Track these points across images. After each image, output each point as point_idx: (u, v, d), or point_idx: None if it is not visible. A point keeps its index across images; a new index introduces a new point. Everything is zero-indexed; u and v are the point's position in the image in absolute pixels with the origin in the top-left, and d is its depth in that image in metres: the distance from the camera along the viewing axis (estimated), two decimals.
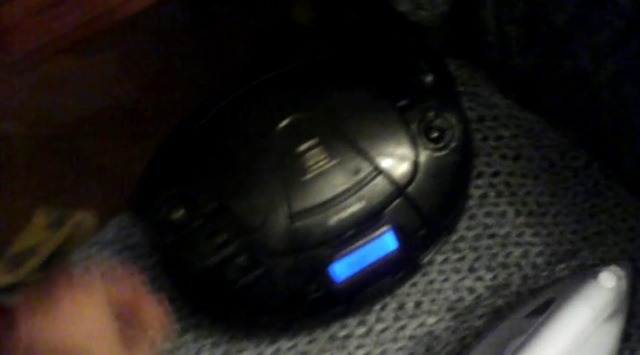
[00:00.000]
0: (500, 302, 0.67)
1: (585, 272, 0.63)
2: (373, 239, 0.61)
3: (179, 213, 0.57)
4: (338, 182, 0.60)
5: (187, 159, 0.60)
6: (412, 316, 0.68)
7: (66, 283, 0.39)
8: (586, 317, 0.57)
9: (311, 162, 0.59)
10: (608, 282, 0.59)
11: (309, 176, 0.59)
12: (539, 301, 0.63)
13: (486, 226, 0.72)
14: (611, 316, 0.60)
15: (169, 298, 0.66)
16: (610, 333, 0.60)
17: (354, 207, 0.60)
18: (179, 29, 0.76)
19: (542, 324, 0.57)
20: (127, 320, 0.42)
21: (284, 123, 0.60)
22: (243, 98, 0.62)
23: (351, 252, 0.60)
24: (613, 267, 0.61)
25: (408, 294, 0.69)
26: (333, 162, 0.60)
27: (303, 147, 0.59)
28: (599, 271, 0.60)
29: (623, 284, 0.61)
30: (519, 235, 0.71)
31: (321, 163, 0.59)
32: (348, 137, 0.60)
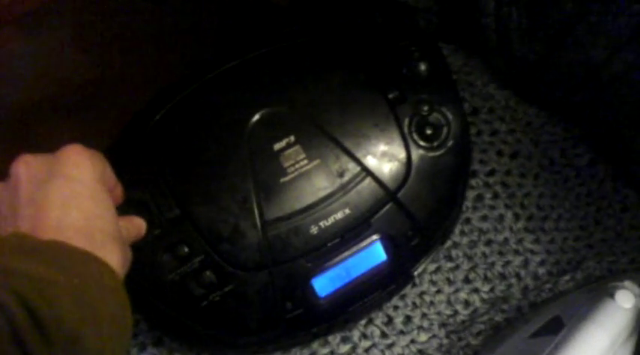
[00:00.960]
0: (498, 317, 0.61)
1: (596, 289, 0.57)
2: (360, 250, 0.54)
3: None
4: (319, 186, 0.52)
5: (142, 159, 0.52)
6: (401, 332, 0.61)
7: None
8: (604, 343, 0.50)
9: (288, 164, 0.52)
10: (626, 302, 0.53)
11: (285, 179, 0.52)
12: (544, 319, 0.57)
13: (482, 232, 0.65)
14: (627, 338, 0.53)
15: None
16: None
17: (338, 214, 0.53)
18: (138, 5, 0.69)
19: (556, 351, 0.50)
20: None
21: (256, 117, 0.52)
22: (207, 88, 0.54)
23: (335, 264, 0.54)
24: (628, 283, 0.55)
25: (397, 308, 0.62)
26: (314, 163, 0.52)
27: (279, 145, 0.52)
28: (614, 289, 0.53)
29: (639, 302, 0.55)
30: (518, 242, 0.65)
31: (299, 164, 0.52)
32: (330, 134, 0.53)
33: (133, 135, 0.53)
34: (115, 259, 0.39)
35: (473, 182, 0.67)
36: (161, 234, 0.50)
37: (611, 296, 0.54)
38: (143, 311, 0.55)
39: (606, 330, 0.51)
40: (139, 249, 0.49)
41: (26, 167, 0.40)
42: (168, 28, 0.68)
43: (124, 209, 0.48)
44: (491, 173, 0.67)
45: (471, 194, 0.66)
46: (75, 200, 0.38)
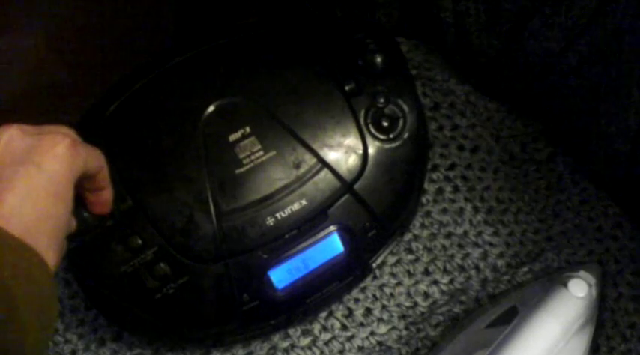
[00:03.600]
0: (457, 309, 0.61)
1: (552, 279, 0.57)
2: (317, 241, 0.54)
3: (85, 212, 0.48)
4: (275, 177, 0.52)
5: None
6: (361, 324, 0.62)
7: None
8: (556, 331, 0.51)
9: (243, 155, 0.52)
10: (579, 291, 0.53)
11: (241, 170, 0.52)
12: (501, 309, 0.58)
13: (442, 224, 0.65)
14: (581, 327, 0.54)
15: (85, 305, 0.59)
16: (579, 346, 0.54)
17: (295, 205, 0.53)
18: (104, 4, 0.69)
19: (507, 340, 0.50)
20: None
21: (211, 108, 0.52)
22: (162, 79, 0.54)
23: (292, 256, 0.54)
24: (583, 273, 0.55)
25: (357, 300, 0.62)
26: (270, 155, 0.52)
27: (234, 136, 0.52)
28: (567, 278, 0.54)
29: (593, 291, 0.56)
30: (478, 235, 0.65)
31: (255, 156, 0.52)
32: (286, 126, 0.53)
33: (88, 126, 0.52)
34: (53, 256, 0.38)
35: (433, 176, 0.67)
36: (114, 226, 0.49)
37: (565, 285, 0.54)
38: (98, 304, 0.55)
39: (558, 318, 0.51)
40: (91, 240, 0.49)
41: (9, 140, 0.38)
42: (131, 22, 0.68)
43: (76, 200, 0.48)
44: (452, 167, 0.67)
45: (431, 187, 0.67)
46: (36, 195, 0.37)
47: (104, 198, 0.45)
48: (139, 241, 0.50)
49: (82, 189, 0.44)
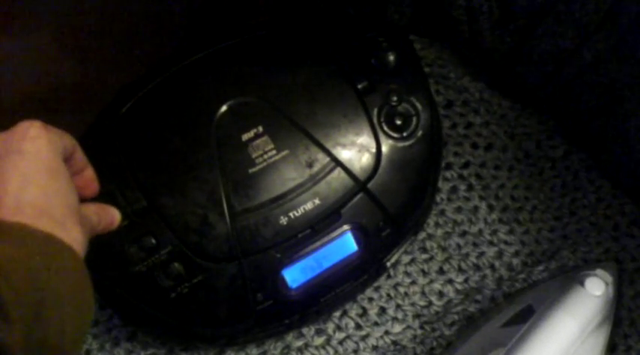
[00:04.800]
0: (472, 308, 0.61)
1: (568, 278, 0.57)
2: (330, 240, 0.54)
3: None
4: (289, 176, 0.52)
5: (110, 150, 0.51)
6: (375, 324, 0.61)
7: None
8: (573, 330, 0.50)
9: (256, 154, 0.52)
10: (596, 289, 0.53)
11: (254, 170, 0.52)
12: (516, 308, 0.57)
13: (456, 223, 0.65)
14: (598, 325, 0.53)
15: (100, 305, 0.59)
16: (595, 344, 0.54)
17: (308, 204, 0.53)
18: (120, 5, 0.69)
19: (524, 338, 0.50)
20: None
21: (224, 108, 0.52)
22: (175, 79, 0.54)
23: (306, 255, 0.54)
24: (600, 272, 0.55)
25: (371, 300, 0.62)
26: (283, 154, 0.52)
27: (247, 136, 0.52)
28: (584, 276, 0.53)
29: (611, 289, 0.55)
30: (493, 233, 0.65)
31: (268, 155, 0.52)
32: (299, 125, 0.53)
33: (101, 127, 0.53)
34: (75, 234, 0.38)
35: (447, 174, 0.67)
36: (128, 226, 0.50)
37: (581, 283, 0.54)
38: (113, 304, 0.55)
39: (575, 317, 0.51)
40: (105, 240, 0.49)
41: None
42: (145, 23, 0.68)
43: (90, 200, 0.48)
44: (466, 165, 0.67)
45: (445, 186, 0.66)
46: (33, 175, 0.38)
47: (88, 177, 0.45)
48: (153, 241, 0.50)
49: None
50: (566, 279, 0.57)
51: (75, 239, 0.38)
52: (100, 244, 0.47)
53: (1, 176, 0.37)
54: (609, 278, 0.56)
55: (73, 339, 0.36)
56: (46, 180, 0.38)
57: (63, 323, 0.35)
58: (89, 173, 0.46)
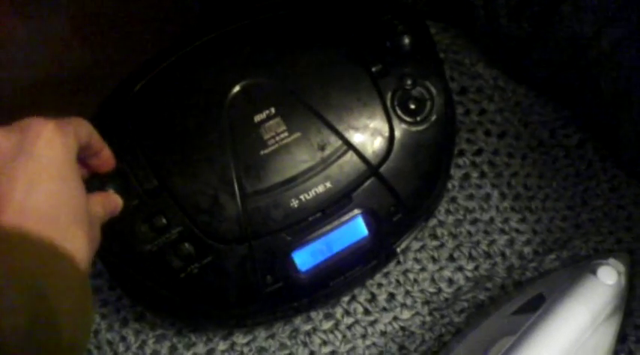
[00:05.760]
0: (482, 295, 0.60)
1: (580, 267, 0.56)
2: (341, 224, 0.54)
3: (111, 191, 0.48)
4: (300, 159, 0.52)
5: (121, 130, 0.51)
6: (384, 310, 0.61)
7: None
8: (584, 318, 0.50)
9: (268, 136, 0.51)
10: (608, 278, 0.52)
11: (265, 151, 0.51)
12: (527, 297, 0.57)
13: (468, 210, 0.65)
14: (609, 315, 0.53)
15: (109, 285, 0.59)
16: (606, 334, 0.53)
17: (319, 187, 0.53)
18: None
19: (535, 326, 0.49)
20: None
21: (236, 89, 0.52)
22: (187, 59, 0.53)
23: (316, 238, 0.53)
24: (612, 261, 0.54)
25: (380, 285, 0.62)
26: (295, 136, 0.52)
27: (259, 117, 0.51)
28: (596, 265, 0.53)
29: (623, 279, 0.54)
30: (504, 221, 0.64)
31: (280, 137, 0.52)
32: (311, 107, 0.52)
33: (113, 106, 0.52)
34: (79, 243, 0.37)
35: (460, 161, 0.66)
36: (139, 205, 0.50)
37: (593, 272, 0.53)
38: (122, 283, 0.55)
39: (587, 305, 0.50)
40: (116, 220, 0.49)
41: None
42: (158, 12, 0.68)
43: (102, 179, 0.48)
44: (479, 152, 0.67)
45: (457, 173, 0.66)
46: (41, 180, 0.37)
47: (106, 156, 0.46)
48: (164, 221, 0.50)
49: (83, 159, 0.44)
50: (577, 269, 0.57)
51: (79, 248, 0.37)
52: (110, 224, 0.47)
53: (9, 179, 0.36)
54: (621, 268, 0.55)
55: (71, 347, 0.36)
56: (54, 186, 0.37)
57: (60, 332, 0.35)
58: (106, 153, 0.46)
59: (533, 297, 0.56)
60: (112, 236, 0.50)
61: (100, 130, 0.47)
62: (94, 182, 0.47)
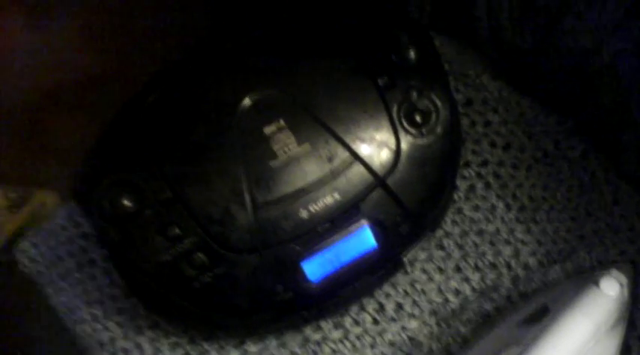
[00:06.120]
0: (488, 306, 0.61)
1: (583, 278, 0.57)
2: (349, 234, 0.55)
3: (126, 203, 0.50)
4: (309, 170, 0.53)
5: (136, 140, 0.52)
6: (392, 319, 0.62)
7: None
8: (587, 331, 0.51)
9: (277, 147, 0.53)
10: (611, 290, 0.53)
11: (275, 163, 0.52)
12: (532, 307, 0.58)
13: (474, 222, 0.66)
14: (612, 326, 0.54)
15: (124, 294, 0.60)
16: (609, 345, 0.54)
17: (328, 198, 0.54)
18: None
19: (539, 337, 0.50)
20: None
21: (246, 101, 0.53)
22: (199, 71, 0.55)
23: (325, 248, 0.54)
24: (615, 272, 0.55)
25: (388, 295, 0.63)
26: (303, 148, 0.53)
27: (269, 129, 0.53)
28: (599, 277, 0.54)
29: (625, 291, 0.55)
30: (510, 232, 0.65)
31: (289, 148, 0.53)
32: (319, 119, 0.54)
33: (127, 117, 0.54)
34: None
35: (465, 172, 0.67)
36: (153, 215, 0.51)
37: (596, 284, 0.54)
38: (138, 292, 0.56)
39: (589, 317, 0.51)
40: (130, 229, 0.50)
41: None
42: (168, 17, 0.69)
43: (117, 190, 0.50)
44: (484, 164, 0.68)
45: (463, 184, 0.67)
46: None
47: None
48: (178, 231, 0.51)
49: None
50: (581, 280, 0.57)
51: None
52: (126, 233, 0.48)
53: None
54: (624, 280, 0.56)
55: None
56: None
57: None
58: None
59: (537, 308, 0.57)
60: (128, 245, 0.51)
61: (114, 141, 0.49)
62: (109, 193, 0.48)
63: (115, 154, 0.52)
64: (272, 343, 0.61)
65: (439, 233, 0.65)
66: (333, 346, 0.60)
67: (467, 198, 0.66)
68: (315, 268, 0.54)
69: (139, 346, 0.61)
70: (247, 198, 0.52)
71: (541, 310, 0.57)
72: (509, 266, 0.64)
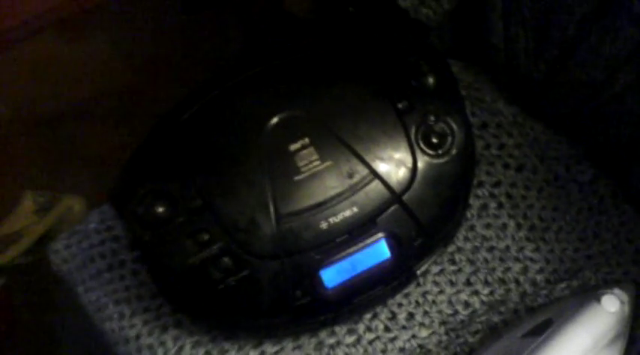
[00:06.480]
0: (496, 318, 0.65)
1: (587, 294, 0.60)
2: (365, 246, 0.58)
3: (160, 209, 0.54)
4: (330, 185, 0.57)
5: (171, 153, 0.57)
6: (404, 328, 0.65)
7: None
8: (586, 342, 0.54)
9: (302, 163, 0.56)
10: (611, 306, 0.56)
11: (299, 177, 0.56)
12: (537, 321, 0.61)
13: (485, 238, 0.69)
14: (612, 341, 0.57)
15: (151, 294, 0.65)
16: None
17: (347, 211, 0.57)
18: (171, 14, 0.74)
19: (539, 348, 0.54)
20: None
21: (274, 120, 0.57)
22: (231, 92, 0.59)
23: (342, 258, 0.58)
24: (616, 291, 0.59)
25: (401, 305, 0.66)
26: (326, 164, 0.57)
27: (294, 146, 0.57)
28: (601, 294, 0.57)
29: (626, 308, 0.59)
30: (519, 250, 0.69)
31: (312, 165, 0.57)
32: (342, 138, 0.57)
33: (163, 131, 0.58)
34: None
35: (479, 192, 0.71)
36: (184, 222, 0.55)
37: (598, 300, 0.57)
38: (166, 292, 0.60)
39: (589, 330, 0.55)
40: (163, 234, 0.54)
41: None
42: (199, 38, 0.73)
43: (152, 198, 0.54)
44: (497, 184, 0.71)
45: (476, 203, 0.70)
46: None
47: None
48: (206, 237, 0.55)
49: None
50: (584, 296, 0.61)
51: None
52: (159, 237, 0.53)
53: None
54: (626, 298, 0.59)
55: None
56: None
57: None
58: None
59: (542, 321, 0.60)
60: (160, 249, 0.55)
61: (150, 153, 0.53)
62: (145, 201, 0.53)
63: (151, 165, 0.57)
64: (289, 345, 0.64)
65: (451, 248, 0.68)
66: (346, 350, 0.64)
67: (479, 216, 0.70)
68: (332, 276, 0.58)
69: (162, 343, 0.65)
70: (272, 208, 0.56)
71: (545, 323, 0.60)
72: (517, 282, 0.67)
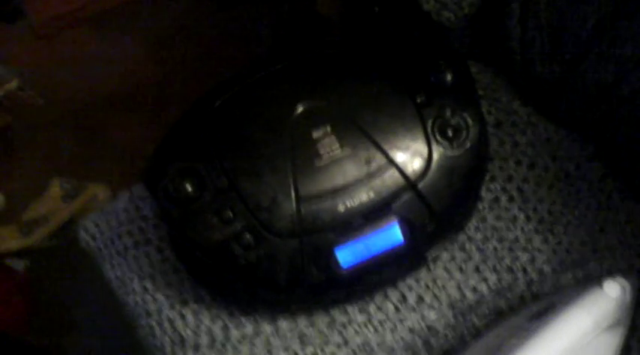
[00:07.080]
0: (502, 303, 0.68)
1: (592, 282, 0.64)
2: (379, 229, 0.61)
3: (189, 187, 0.58)
4: (348, 171, 0.61)
5: (201, 136, 0.61)
6: (413, 309, 0.69)
7: None
8: (585, 324, 0.57)
9: (323, 150, 0.60)
10: (612, 292, 0.59)
11: (320, 163, 0.60)
12: (541, 305, 0.64)
13: (495, 229, 0.72)
14: (613, 326, 0.60)
15: (173, 269, 0.69)
16: (610, 344, 0.60)
17: (364, 196, 0.61)
18: (203, 11, 0.78)
19: (540, 327, 0.57)
20: None
21: (299, 109, 0.61)
22: (261, 82, 0.63)
23: (357, 239, 0.61)
24: (619, 278, 0.62)
25: (411, 288, 0.70)
26: (346, 152, 0.61)
27: (317, 134, 0.60)
28: (603, 280, 0.60)
29: (628, 295, 0.62)
30: (528, 241, 0.72)
31: (333, 152, 0.60)
32: (362, 128, 0.61)
33: (196, 116, 0.62)
34: None
35: (491, 186, 0.74)
36: (211, 200, 0.59)
37: (600, 285, 0.60)
38: (189, 266, 0.65)
39: (590, 313, 0.58)
40: (191, 211, 0.59)
41: None
42: (230, 32, 0.77)
43: (182, 176, 0.58)
44: (509, 179, 0.74)
45: (488, 196, 0.73)
46: None
47: None
48: (231, 214, 0.59)
49: None
50: (588, 283, 0.64)
51: None
52: (186, 214, 0.57)
53: None
54: (627, 285, 0.62)
55: None
56: None
57: None
58: None
59: (546, 306, 0.64)
60: (187, 224, 0.60)
61: (182, 135, 0.57)
62: (175, 179, 0.57)
63: (182, 146, 0.61)
64: (302, 321, 0.68)
65: (462, 237, 0.71)
66: (357, 328, 0.68)
67: (491, 209, 0.73)
68: (346, 256, 0.61)
69: (183, 316, 0.69)
70: (293, 191, 0.60)
71: (549, 307, 0.63)
72: (524, 271, 0.70)
